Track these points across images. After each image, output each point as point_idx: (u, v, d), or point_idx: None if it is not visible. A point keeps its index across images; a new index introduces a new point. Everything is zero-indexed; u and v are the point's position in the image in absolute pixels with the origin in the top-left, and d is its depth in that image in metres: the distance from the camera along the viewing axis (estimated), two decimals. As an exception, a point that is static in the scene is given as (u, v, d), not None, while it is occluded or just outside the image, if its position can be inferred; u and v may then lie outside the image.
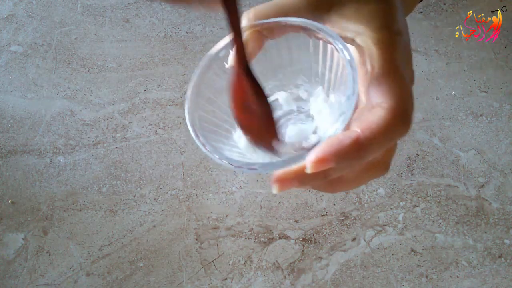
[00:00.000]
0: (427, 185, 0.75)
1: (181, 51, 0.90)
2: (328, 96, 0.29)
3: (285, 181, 0.22)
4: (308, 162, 0.20)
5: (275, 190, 0.22)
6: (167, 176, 0.76)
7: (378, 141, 0.21)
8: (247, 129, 0.27)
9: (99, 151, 0.79)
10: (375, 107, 0.22)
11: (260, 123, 0.27)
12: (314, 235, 0.71)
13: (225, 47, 0.27)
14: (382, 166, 0.25)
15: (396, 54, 0.23)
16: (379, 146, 0.21)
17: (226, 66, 0.27)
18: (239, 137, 0.29)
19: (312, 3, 0.25)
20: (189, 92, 0.27)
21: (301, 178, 0.22)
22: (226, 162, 0.24)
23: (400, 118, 0.21)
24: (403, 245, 0.71)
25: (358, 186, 0.25)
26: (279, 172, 0.22)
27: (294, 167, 0.22)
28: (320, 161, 0.20)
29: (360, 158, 0.21)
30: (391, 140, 0.22)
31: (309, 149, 0.21)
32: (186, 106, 0.27)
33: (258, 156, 0.27)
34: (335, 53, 0.25)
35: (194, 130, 0.26)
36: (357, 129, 0.21)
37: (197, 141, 0.26)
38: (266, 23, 0.26)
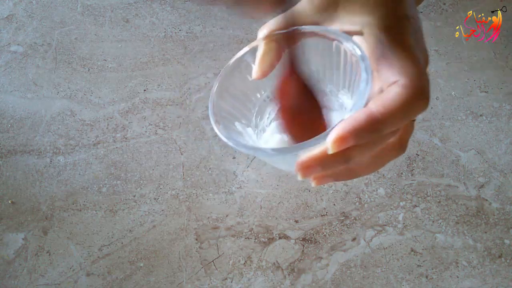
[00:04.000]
0: (427, 185, 0.75)
1: (181, 51, 0.90)
2: (338, 95, 0.30)
3: (308, 167, 0.22)
4: (329, 142, 0.21)
5: (299, 177, 0.23)
6: (167, 176, 0.76)
7: (394, 116, 0.22)
8: (293, 130, 0.28)
9: (99, 151, 0.79)
10: (391, 85, 0.22)
11: (310, 119, 0.28)
12: (314, 235, 0.71)
13: (250, 51, 0.29)
14: (399, 146, 0.25)
15: (405, 35, 0.23)
16: (397, 121, 0.22)
17: (251, 76, 0.28)
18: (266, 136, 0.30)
19: (319, 5, 0.26)
20: (214, 89, 0.28)
21: (323, 162, 0.22)
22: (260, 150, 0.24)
23: (418, 94, 0.22)
24: (403, 245, 0.71)
25: (377, 169, 0.26)
26: (302, 158, 0.23)
27: (315, 151, 0.22)
28: (340, 139, 0.21)
29: (376, 131, 0.22)
30: (410, 115, 0.22)
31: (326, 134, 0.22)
32: (211, 99, 0.28)
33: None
34: (348, 53, 0.26)
35: (215, 118, 0.26)
36: (371, 106, 0.22)
37: (216, 127, 0.26)
38: (282, 33, 0.27)
